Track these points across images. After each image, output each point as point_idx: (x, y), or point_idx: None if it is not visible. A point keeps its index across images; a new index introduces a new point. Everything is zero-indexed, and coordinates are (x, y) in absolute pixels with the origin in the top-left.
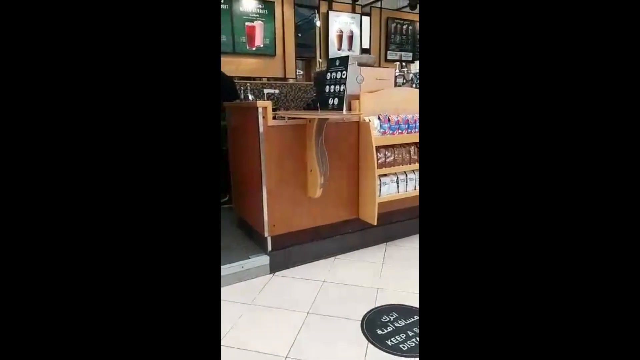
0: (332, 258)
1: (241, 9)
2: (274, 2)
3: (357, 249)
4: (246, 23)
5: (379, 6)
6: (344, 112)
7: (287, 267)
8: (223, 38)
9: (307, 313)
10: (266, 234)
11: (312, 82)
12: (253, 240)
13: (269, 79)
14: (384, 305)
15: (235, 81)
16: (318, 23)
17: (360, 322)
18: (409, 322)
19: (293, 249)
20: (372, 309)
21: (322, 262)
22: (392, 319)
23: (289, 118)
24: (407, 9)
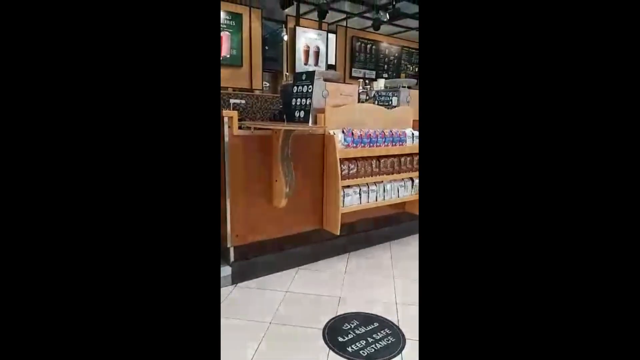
0: (296, 268)
1: None
2: (242, 14)
3: (321, 259)
4: None
5: (345, 25)
6: (310, 124)
7: (249, 278)
8: None
9: (270, 323)
10: (228, 244)
11: (278, 95)
12: None
13: (234, 89)
14: (346, 314)
15: None
16: (285, 37)
17: (322, 330)
18: (369, 328)
19: (256, 260)
20: (334, 317)
21: (285, 272)
22: (353, 326)
23: (255, 128)
24: (371, 29)
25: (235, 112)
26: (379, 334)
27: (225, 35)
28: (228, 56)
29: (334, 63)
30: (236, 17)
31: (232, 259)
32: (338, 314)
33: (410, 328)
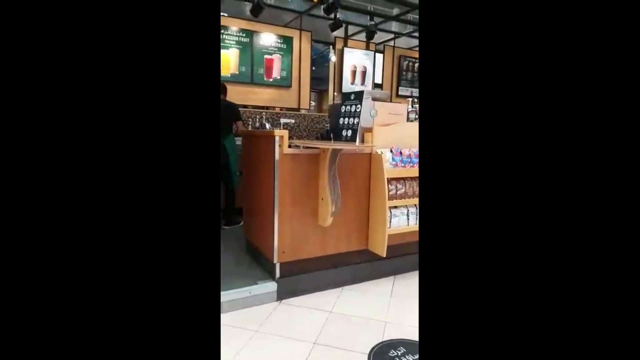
0: (340, 288)
1: (261, 42)
2: (292, 37)
3: (365, 280)
4: (265, 56)
5: (392, 44)
6: (357, 143)
7: (294, 295)
8: (242, 68)
9: (314, 343)
10: (275, 260)
11: (323, 114)
12: (261, 266)
13: (281, 108)
14: (392, 340)
15: (251, 110)
16: (333, 58)
17: (367, 355)
18: (416, 357)
19: (301, 277)
20: (380, 343)
21: (329, 291)
22: (399, 354)
23: (304, 147)
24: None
25: (286, 131)
26: None
27: (276, 58)
28: (278, 77)
29: (380, 82)
30: (287, 40)
31: (277, 275)
32: (384, 339)
33: None
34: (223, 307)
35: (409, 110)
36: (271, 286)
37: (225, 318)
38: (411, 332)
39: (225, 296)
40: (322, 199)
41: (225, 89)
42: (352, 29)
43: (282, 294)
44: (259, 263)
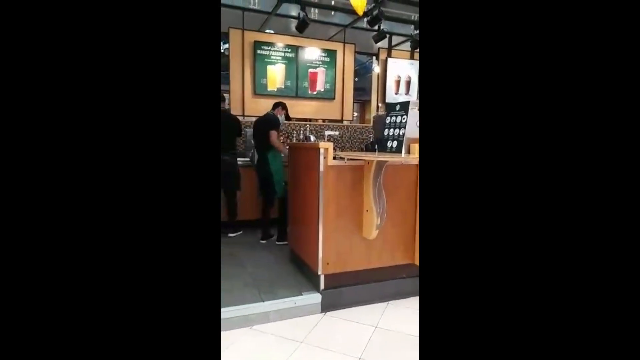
0: (385, 303)
1: (306, 57)
2: (336, 50)
3: (411, 295)
4: (309, 69)
5: None
6: (403, 155)
7: (338, 308)
8: (287, 83)
9: (359, 359)
10: (320, 272)
11: (367, 124)
12: (305, 276)
13: (324, 120)
14: None
15: (295, 122)
16: (377, 69)
17: None
18: None
19: (345, 290)
20: None
21: (374, 305)
22: None
23: (348, 159)
24: None
25: (331, 143)
26: None
27: (320, 71)
28: (322, 90)
29: None
30: (331, 53)
31: (322, 286)
32: None
33: None
34: (270, 316)
35: None
36: (316, 297)
37: (270, 328)
38: None
39: (271, 306)
40: (367, 211)
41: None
42: (395, 39)
43: (327, 306)
44: (303, 274)
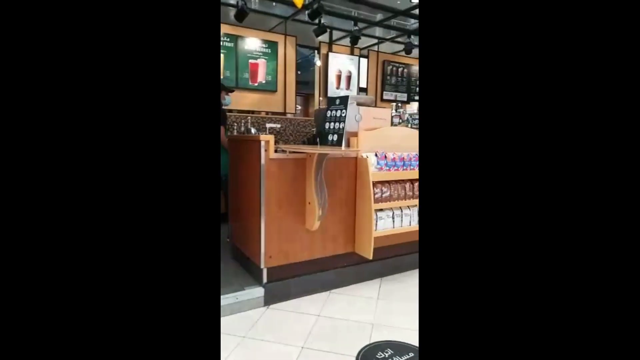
0: (328, 292)
1: (246, 47)
2: (277, 42)
3: (352, 283)
4: (250, 60)
5: (377, 49)
6: (343, 148)
7: (281, 300)
8: (227, 73)
9: (302, 348)
10: (262, 266)
11: (310, 118)
12: (248, 271)
13: (267, 113)
14: (379, 342)
15: (236, 114)
16: (318, 63)
17: (355, 358)
18: (404, 358)
19: (288, 282)
20: (367, 345)
21: (317, 295)
22: (387, 356)
23: (290, 152)
24: (403, 53)
25: (272, 136)
26: None
27: (261, 63)
28: (264, 82)
29: (365, 86)
30: (272, 45)
31: (265, 280)
32: (371, 341)
33: None
34: None
35: (393, 114)
36: (258, 291)
37: None
38: (398, 333)
39: None
40: (309, 203)
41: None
42: (336, 34)
43: (270, 299)
44: (246, 269)
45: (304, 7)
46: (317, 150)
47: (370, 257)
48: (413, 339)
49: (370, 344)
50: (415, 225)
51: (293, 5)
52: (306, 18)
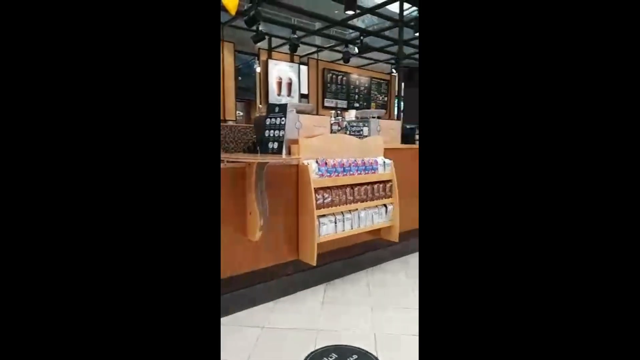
0: (273, 302)
1: None
2: None
3: (298, 290)
4: None
5: (316, 57)
6: (284, 156)
7: (225, 315)
8: None
9: None
10: None
11: (252, 125)
12: None
13: None
14: (324, 347)
15: None
16: (258, 69)
17: None
18: None
19: (232, 295)
20: (313, 352)
21: (262, 306)
22: None
23: (228, 162)
24: (341, 62)
25: None
26: None
27: None
28: None
29: (306, 92)
30: None
31: None
32: (317, 347)
33: (389, 357)
34: None
35: (332, 122)
36: None
37: None
38: (343, 337)
39: None
40: (250, 213)
41: None
42: (276, 41)
43: None
44: None
45: (241, 13)
46: (257, 159)
47: (314, 264)
48: (358, 342)
49: (315, 351)
50: (357, 229)
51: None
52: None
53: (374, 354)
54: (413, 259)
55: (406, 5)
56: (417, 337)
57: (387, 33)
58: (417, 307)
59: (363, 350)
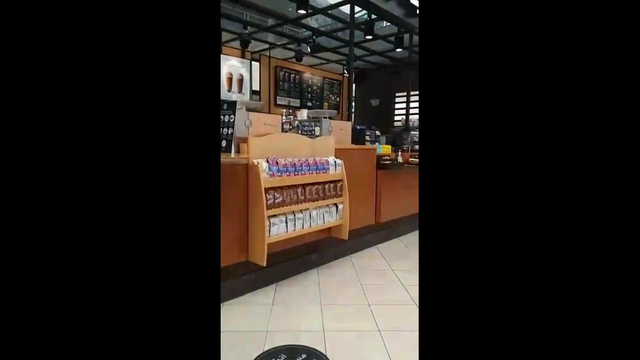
0: (221, 305)
1: None
2: None
3: (247, 292)
4: None
5: (268, 54)
6: (232, 154)
7: None
8: None
9: None
10: None
11: None
12: None
13: None
14: (273, 348)
15: None
16: None
17: None
18: None
19: None
20: (261, 354)
21: None
22: None
23: None
24: (294, 60)
25: None
26: None
27: None
28: None
29: (258, 89)
30: None
31: None
32: (265, 349)
33: (339, 356)
34: None
35: (284, 120)
36: None
37: None
38: (292, 337)
39: None
40: None
41: None
42: (226, 36)
43: None
44: None
45: None
46: None
47: (264, 264)
48: (307, 341)
49: (263, 353)
50: (308, 228)
51: None
52: None
53: (323, 352)
54: (362, 257)
55: (357, 8)
56: (366, 334)
57: (339, 34)
58: (366, 304)
59: (312, 349)
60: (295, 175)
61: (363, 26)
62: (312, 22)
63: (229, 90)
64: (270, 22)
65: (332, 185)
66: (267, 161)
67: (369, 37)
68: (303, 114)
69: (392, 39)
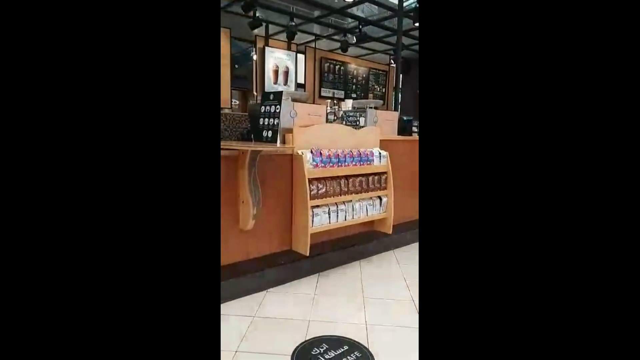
0: (264, 292)
1: None
2: None
3: (289, 281)
4: None
5: (314, 46)
6: (278, 144)
7: None
8: None
9: (235, 352)
10: None
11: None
12: None
13: None
14: (315, 338)
15: None
16: (255, 57)
17: (290, 356)
18: (338, 352)
19: (223, 285)
20: (303, 342)
21: (253, 296)
22: (322, 351)
23: (221, 149)
24: (340, 51)
25: None
26: (348, 357)
27: None
28: None
29: (303, 82)
30: None
31: None
32: (307, 338)
33: (381, 349)
34: None
35: (328, 111)
36: None
37: None
38: (334, 328)
39: None
40: (243, 202)
41: None
42: (273, 29)
43: None
44: None
45: None
46: (250, 146)
47: (307, 254)
48: (349, 333)
49: (305, 341)
50: (350, 220)
51: None
52: (241, 10)
53: (366, 345)
54: (406, 251)
55: None
56: (409, 329)
57: (386, 23)
58: (410, 299)
59: (354, 341)
60: (339, 166)
61: (412, 13)
62: (357, 12)
63: (275, 82)
64: (317, 12)
65: (376, 177)
66: (312, 152)
67: (418, 24)
68: (348, 104)
69: None
